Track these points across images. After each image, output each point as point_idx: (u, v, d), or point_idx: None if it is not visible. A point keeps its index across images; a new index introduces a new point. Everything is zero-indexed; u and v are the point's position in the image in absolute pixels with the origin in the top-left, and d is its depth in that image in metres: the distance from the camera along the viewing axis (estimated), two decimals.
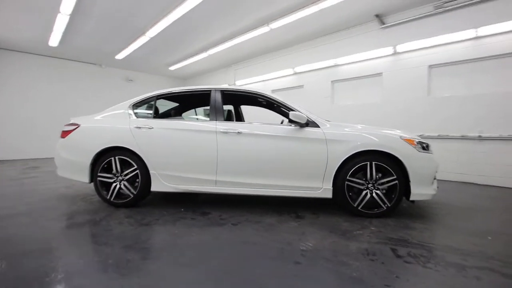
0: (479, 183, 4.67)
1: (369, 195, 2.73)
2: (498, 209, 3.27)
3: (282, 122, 3.78)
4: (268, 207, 3.15)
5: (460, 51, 4.84)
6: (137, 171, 3.02)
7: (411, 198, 2.71)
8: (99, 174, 3.07)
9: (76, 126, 3.24)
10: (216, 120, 3.02)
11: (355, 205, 2.75)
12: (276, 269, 1.76)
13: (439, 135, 5.06)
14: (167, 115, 3.92)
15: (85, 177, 3.13)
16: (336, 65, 6.72)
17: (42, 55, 8.55)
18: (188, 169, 2.97)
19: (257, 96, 3.25)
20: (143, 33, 6.59)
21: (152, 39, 6.87)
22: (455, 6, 4.76)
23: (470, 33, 4.64)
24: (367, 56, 6.05)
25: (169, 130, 3.03)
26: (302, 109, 2.96)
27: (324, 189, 2.79)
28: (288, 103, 3.03)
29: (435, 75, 5.23)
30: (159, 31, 6.31)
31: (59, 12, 5.32)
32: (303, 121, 2.80)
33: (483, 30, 4.50)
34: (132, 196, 3.03)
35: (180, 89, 3.34)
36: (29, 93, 8.50)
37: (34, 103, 8.58)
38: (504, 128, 4.41)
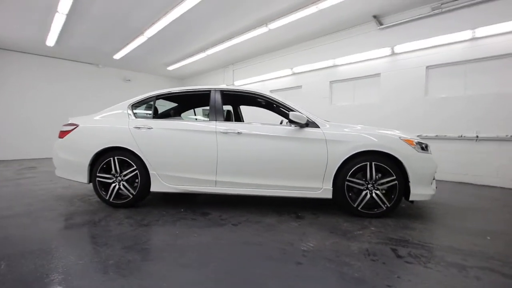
0: (476, 183, 4.71)
1: (368, 195, 2.74)
2: (496, 209, 3.30)
3: (281, 123, 3.79)
4: (268, 207, 3.15)
5: (458, 52, 4.88)
6: (137, 171, 3.00)
7: (411, 198, 2.73)
8: (98, 174, 3.05)
9: (75, 126, 3.21)
10: (216, 121, 3.02)
11: (355, 205, 2.76)
12: (277, 270, 1.75)
13: (436, 136, 5.10)
14: (166, 115, 3.91)
15: (83, 178, 3.11)
16: (334, 66, 6.74)
17: (39, 54, 8.49)
18: (188, 170, 2.96)
19: (257, 96, 3.24)
20: (141, 33, 6.56)
21: (150, 39, 6.84)
22: (453, 7, 4.81)
23: (467, 34, 4.68)
24: (365, 56, 6.09)
25: (169, 130, 3.02)
26: (302, 110, 2.96)
27: (324, 190, 2.80)
28: (288, 104, 3.03)
29: (433, 76, 5.27)
30: (157, 31, 6.29)
31: (57, 12, 5.27)
32: (303, 122, 2.80)
33: (480, 31, 4.55)
34: (131, 196, 3.02)
35: (179, 89, 3.32)
36: (26, 93, 8.42)
37: (31, 102, 8.50)
38: (501, 128, 4.45)
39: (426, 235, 2.38)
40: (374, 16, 5.69)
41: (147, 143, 3.00)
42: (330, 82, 6.90)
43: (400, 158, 2.69)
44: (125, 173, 3.03)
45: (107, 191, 3.05)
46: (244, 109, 4.62)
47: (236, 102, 4.26)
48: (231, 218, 2.77)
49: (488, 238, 2.32)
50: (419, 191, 2.71)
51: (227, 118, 3.47)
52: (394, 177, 2.69)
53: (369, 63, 6.10)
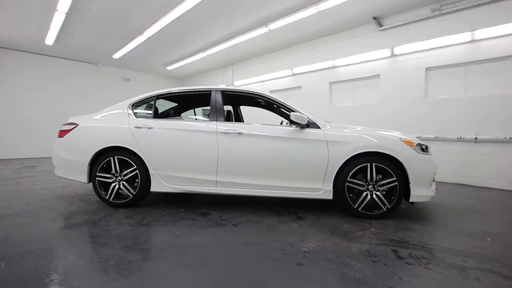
0: (475, 185, 4.73)
1: (369, 196, 2.74)
2: (495, 211, 3.32)
3: (281, 123, 3.79)
4: (268, 208, 3.15)
5: (457, 54, 4.90)
6: (137, 171, 2.99)
7: (411, 200, 2.73)
8: (98, 174, 3.04)
9: (75, 125, 3.20)
10: (216, 121, 3.02)
11: (355, 206, 2.76)
12: (278, 270, 1.75)
13: (436, 137, 5.12)
14: (166, 115, 3.90)
15: (83, 177, 3.10)
16: (334, 67, 6.75)
17: (38, 53, 8.45)
18: (189, 170, 2.96)
19: (258, 96, 3.24)
20: (140, 32, 6.55)
21: (149, 38, 6.83)
22: (452, 9, 4.82)
23: (467, 36, 4.70)
24: (365, 58, 6.10)
25: (169, 130, 3.01)
26: (302, 110, 2.96)
27: (324, 190, 2.80)
28: (289, 104, 3.04)
29: (433, 78, 5.29)
30: (157, 30, 6.28)
31: (56, 10, 5.25)
32: (304, 122, 2.80)
33: (480, 33, 4.57)
34: (131, 196, 3.01)
35: (180, 89, 3.32)
36: (25, 91, 8.39)
37: (30, 101, 8.47)
38: (500, 130, 4.47)
39: (426, 236, 2.38)
40: (374, 18, 5.70)
41: (148, 143, 2.99)
42: (330, 83, 6.91)
43: (400, 160, 2.69)
44: (125, 172, 3.02)
45: (107, 191, 3.04)
46: (244, 110, 4.62)
47: (236, 102, 4.26)
48: (231, 218, 2.76)
49: (488, 239, 2.32)
50: (419, 193, 2.72)
51: (227, 118, 3.46)
52: (395, 178, 2.69)
53: (369, 64, 6.12)
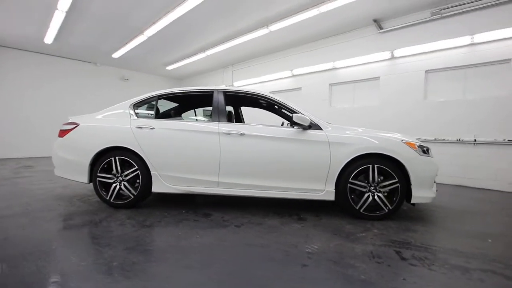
0: (473, 186, 4.77)
1: (371, 197, 2.75)
2: (495, 212, 3.34)
3: (282, 124, 3.80)
4: (270, 209, 3.14)
5: (456, 57, 4.95)
6: (138, 171, 2.98)
7: (412, 201, 2.74)
8: (98, 174, 3.01)
9: (75, 125, 3.18)
10: (219, 121, 3.01)
11: (357, 208, 2.77)
12: (282, 272, 1.75)
13: (435, 139, 5.16)
14: (167, 115, 3.89)
15: (84, 177, 3.07)
16: (334, 68, 6.78)
17: (36, 52, 8.39)
18: (190, 170, 2.95)
19: (260, 97, 3.24)
20: (141, 32, 6.54)
21: (149, 38, 6.81)
22: (452, 13, 4.87)
23: (466, 39, 4.75)
24: (365, 60, 6.13)
25: (171, 130, 3.00)
26: (305, 112, 2.97)
27: (326, 192, 2.80)
28: (292, 105, 3.04)
29: (432, 80, 5.33)
30: (157, 30, 6.27)
31: (57, 9, 5.23)
32: (306, 124, 2.81)
33: (479, 37, 4.62)
34: (132, 197, 2.99)
35: (182, 90, 3.31)
36: (23, 90, 8.33)
37: (28, 100, 8.40)
38: (498, 132, 4.52)
39: (428, 237, 2.40)
40: (375, 20, 5.74)
41: (149, 143, 2.98)
42: (330, 84, 6.94)
43: (402, 161, 2.71)
44: (126, 173, 3.00)
45: (107, 191, 3.02)
46: (244, 110, 4.62)
47: (237, 103, 4.26)
48: (233, 219, 2.76)
49: (489, 240, 2.34)
50: (420, 194, 2.73)
51: (228, 119, 3.46)
52: (396, 179, 2.71)
53: (369, 66, 6.15)
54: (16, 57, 8.13)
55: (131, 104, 3.23)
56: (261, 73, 8.55)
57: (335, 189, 2.80)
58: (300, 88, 7.62)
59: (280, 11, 5.44)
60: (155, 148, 2.98)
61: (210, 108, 3.24)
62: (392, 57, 5.74)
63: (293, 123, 2.88)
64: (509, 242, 2.34)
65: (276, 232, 2.44)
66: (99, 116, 3.24)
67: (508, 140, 4.41)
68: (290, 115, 3.15)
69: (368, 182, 2.76)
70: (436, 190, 2.89)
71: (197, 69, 10.41)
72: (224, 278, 1.67)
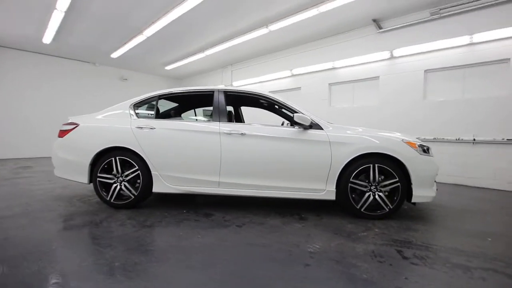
0: (472, 185, 4.79)
1: (371, 197, 2.76)
2: (494, 211, 3.36)
3: (282, 124, 3.80)
4: (271, 209, 3.14)
5: (455, 56, 4.97)
6: (138, 172, 2.97)
7: (413, 200, 2.75)
8: (99, 174, 3.00)
9: (75, 125, 3.17)
10: (219, 121, 3.01)
11: (358, 207, 2.77)
12: (285, 271, 1.75)
13: (434, 138, 5.17)
14: (166, 115, 3.88)
15: (84, 178, 3.06)
16: (333, 68, 6.79)
17: (35, 52, 8.35)
18: (191, 170, 2.94)
19: (260, 97, 3.24)
20: (140, 32, 6.52)
21: (149, 38, 6.80)
22: (451, 12, 4.89)
23: (465, 39, 4.77)
24: (365, 59, 6.14)
25: (172, 130, 3.00)
26: (305, 111, 2.97)
27: (327, 191, 2.81)
28: (292, 105, 3.04)
29: (431, 80, 5.35)
30: (156, 30, 6.25)
31: (55, 9, 5.20)
32: (307, 124, 2.81)
33: (478, 37, 4.63)
34: (133, 197, 2.98)
35: (182, 90, 3.31)
36: (21, 91, 8.29)
37: (27, 101, 8.36)
38: (497, 132, 4.54)
39: (429, 236, 2.40)
40: (374, 20, 5.75)
41: (150, 144, 2.97)
42: (329, 84, 6.95)
43: (402, 161, 2.71)
44: (126, 173, 2.99)
45: (108, 192, 3.01)
46: (243, 110, 4.61)
47: (237, 102, 4.25)
48: (234, 219, 2.75)
49: (489, 239, 2.35)
50: (421, 193, 2.74)
51: (228, 118, 3.46)
52: (397, 179, 2.71)
53: (368, 66, 6.16)
54: (14, 57, 8.09)
55: (131, 104, 3.22)
56: (260, 73, 8.55)
57: (336, 188, 2.80)
58: (300, 87, 7.63)
59: (279, 11, 5.44)
60: (155, 148, 2.97)
61: (210, 108, 3.23)
62: (392, 57, 5.76)
63: (294, 123, 2.88)
64: (509, 241, 2.35)
65: (278, 232, 2.44)
66: (99, 116, 3.23)
67: (507, 139, 4.43)
68: (291, 115, 3.15)
69: (369, 182, 2.77)
70: (436, 189, 2.90)
71: (196, 69, 10.39)
72: (226, 278, 1.67)
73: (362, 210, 2.77)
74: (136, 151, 2.96)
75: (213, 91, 3.18)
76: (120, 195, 3.03)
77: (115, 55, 8.42)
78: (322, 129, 2.88)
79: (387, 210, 2.75)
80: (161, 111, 3.90)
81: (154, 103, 3.29)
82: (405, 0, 4.97)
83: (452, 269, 1.79)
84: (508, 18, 4.37)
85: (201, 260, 1.90)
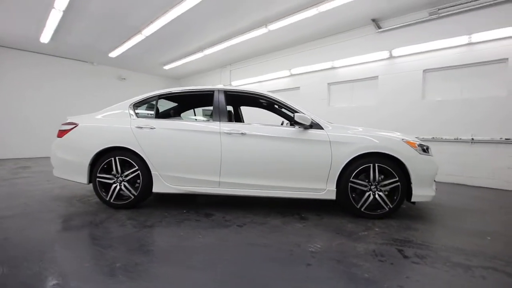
0: (470, 184, 4.82)
1: (372, 196, 2.77)
2: (493, 210, 3.38)
3: (282, 124, 3.80)
4: (271, 208, 3.15)
5: (454, 56, 4.99)
6: (138, 172, 2.96)
7: (413, 200, 2.76)
8: (98, 174, 2.99)
9: (74, 125, 3.15)
10: (220, 121, 3.00)
11: (358, 207, 2.78)
12: (287, 271, 1.75)
13: (433, 138, 5.20)
14: (166, 115, 3.87)
15: (83, 178, 3.04)
16: (332, 68, 6.80)
17: (32, 51, 8.29)
18: (191, 170, 2.94)
19: (260, 97, 3.24)
20: (138, 31, 6.49)
21: (147, 37, 6.77)
22: (449, 12, 4.91)
23: (464, 39, 4.79)
24: (363, 59, 6.16)
25: (172, 130, 2.99)
26: (305, 111, 2.97)
27: (328, 191, 2.81)
28: (293, 105, 3.04)
29: (430, 80, 5.37)
30: (155, 30, 6.22)
31: (53, 8, 5.17)
32: (308, 123, 2.81)
33: (476, 37, 4.66)
34: (133, 197, 2.97)
35: (182, 89, 3.30)
36: (18, 90, 8.22)
37: (24, 100, 8.29)
38: (495, 131, 4.57)
39: (429, 235, 2.42)
40: (373, 20, 5.77)
41: (150, 144, 2.96)
42: (328, 84, 6.96)
43: (402, 160, 2.72)
44: (126, 173, 2.98)
45: (107, 192, 3.00)
46: (243, 110, 4.61)
47: (236, 102, 4.25)
48: (235, 219, 2.75)
49: (488, 238, 2.37)
50: (420, 193, 2.75)
51: (228, 118, 3.45)
52: (397, 178, 2.72)
53: (367, 66, 6.18)
54: (14, 56, 8.03)
55: (130, 104, 3.21)
56: (259, 72, 8.55)
57: (336, 188, 2.80)
58: (299, 87, 7.63)
59: (279, 11, 5.44)
60: (155, 148, 2.96)
61: (210, 108, 3.22)
62: (390, 57, 5.78)
63: (294, 123, 2.87)
64: (508, 240, 2.37)
65: (279, 232, 2.44)
66: (99, 116, 3.21)
67: (506, 139, 4.46)
68: (291, 114, 3.15)
69: (369, 181, 2.77)
70: (435, 189, 2.92)
71: (195, 69, 10.37)
72: (228, 279, 1.67)
73: (362, 209, 2.78)
74: (136, 151, 2.95)
75: (213, 91, 3.17)
76: (119, 195, 3.01)
77: (113, 54, 8.38)
78: (322, 128, 2.88)
79: (387, 209, 2.76)
80: (160, 111, 3.90)
81: (154, 103, 3.28)
82: (404, 0, 4.98)
83: (452, 268, 1.80)
84: (506, 18, 4.39)
85: (203, 260, 1.89)
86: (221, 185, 2.92)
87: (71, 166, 3.11)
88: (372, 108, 6.12)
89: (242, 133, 2.90)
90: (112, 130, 3.07)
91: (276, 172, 2.87)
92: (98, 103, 7.51)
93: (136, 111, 3.21)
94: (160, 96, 3.29)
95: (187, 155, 2.95)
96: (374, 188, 2.77)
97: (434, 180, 2.90)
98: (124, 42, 7.30)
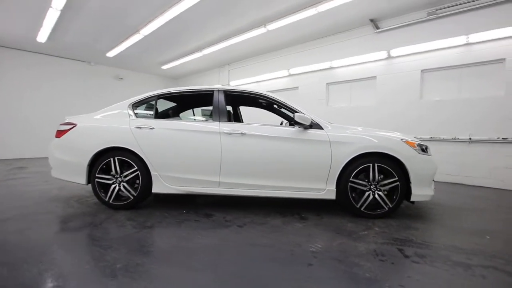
0: (468, 184, 4.86)
1: (371, 196, 2.77)
2: (491, 209, 3.41)
3: (281, 124, 3.80)
4: (271, 208, 3.15)
5: (452, 56, 5.02)
6: (138, 172, 2.94)
7: (412, 199, 2.78)
8: (97, 175, 2.97)
9: (73, 125, 3.13)
10: (219, 121, 3.00)
11: (358, 206, 2.79)
12: (289, 271, 1.75)
13: (431, 138, 5.23)
14: (165, 115, 3.85)
15: (82, 179, 3.02)
16: (331, 68, 6.81)
17: (28, 51, 8.20)
18: (191, 170, 2.93)
19: (260, 97, 3.23)
20: (136, 31, 6.45)
21: (146, 37, 6.73)
22: (448, 13, 4.94)
23: (462, 39, 4.82)
24: (362, 59, 6.18)
25: (171, 130, 2.98)
26: (305, 111, 2.97)
27: (328, 191, 2.82)
28: (293, 105, 3.04)
29: (428, 80, 5.40)
30: (153, 29, 6.19)
31: (51, 7, 5.12)
32: (308, 123, 2.82)
33: (474, 37, 4.69)
34: (132, 198, 2.95)
35: (182, 89, 3.28)
36: (19, 91, 8.16)
37: (20, 101, 8.20)
38: (493, 131, 4.60)
39: (428, 235, 2.43)
40: (371, 20, 5.78)
41: (149, 144, 2.95)
42: (327, 83, 6.97)
43: (402, 160, 2.74)
44: (125, 174, 2.97)
45: (106, 193, 2.98)
46: (242, 109, 4.60)
47: (236, 102, 4.24)
48: (235, 220, 2.75)
49: (487, 237, 2.39)
50: (420, 192, 2.77)
51: (227, 118, 3.44)
52: (396, 178, 2.73)
53: (366, 66, 6.20)
54: (13, 56, 7.97)
55: (130, 104, 3.19)
56: (257, 72, 8.54)
57: (336, 188, 2.81)
58: (297, 87, 7.64)
59: (278, 10, 5.43)
60: (155, 149, 2.94)
61: (209, 108, 3.21)
62: (389, 57, 5.80)
63: (294, 123, 2.87)
64: (507, 239, 2.39)
65: (279, 232, 2.44)
66: (97, 116, 3.19)
67: (502, 139, 4.50)
68: (291, 114, 3.15)
69: (369, 181, 2.78)
70: (434, 188, 2.93)
71: (193, 69, 10.34)
72: (230, 279, 1.67)
73: (362, 209, 2.79)
74: (135, 151, 2.93)
75: (213, 91, 3.16)
76: (118, 196, 3.00)
77: (111, 54, 8.33)
78: (322, 128, 2.89)
79: (387, 209, 2.77)
80: (159, 110, 3.88)
81: (153, 103, 3.26)
82: (402, 0, 5.00)
83: (453, 267, 1.81)
84: (504, 18, 4.42)
85: (203, 261, 1.89)
86: (221, 185, 2.91)
87: (70, 166, 3.08)
88: (370, 108, 6.14)
89: (242, 133, 2.90)
90: (111, 130, 3.05)
91: (276, 172, 2.87)
92: (96, 103, 7.47)
93: (135, 111, 3.19)
94: (160, 96, 3.27)
95: (187, 155, 2.94)
96: (374, 187, 2.78)
97: (433, 180, 2.92)
98: (122, 41, 7.26)
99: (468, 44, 4.82)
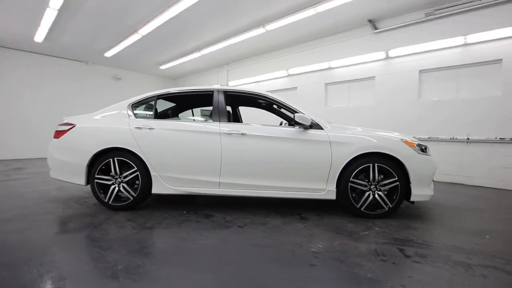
0: (467, 183, 4.88)
1: (371, 196, 2.78)
2: (490, 209, 3.43)
3: (281, 124, 3.80)
4: (271, 209, 3.14)
5: (450, 57, 5.05)
6: (137, 172, 2.93)
7: (412, 199, 2.79)
8: (96, 176, 2.95)
9: (71, 126, 3.11)
10: (219, 121, 2.99)
11: (358, 206, 2.79)
12: (290, 272, 1.75)
13: (429, 138, 5.25)
14: (164, 115, 3.84)
15: (81, 179, 3.00)
16: (330, 68, 6.83)
17: (25, 51, 8.15)
18: (191, 171, 2.92)
19: (260, 97, 3.23)
20: (135, 30, 6.43)
21: (144, 37, 6.71)
22: (446, 13, 4.97)
23: (460, 39, 4.85)
24: (360, 60, 6.19)
25: (171, 131, 2.97)
26: (305, 111, 2.97)
27: (328, 191, 2.82)
28: (292, 105, 3.04)
29: (426, 80, 5.42)
30: (152, 29, 6.17)
31: (48, 7, 5.09)
32: (308, 123, 2.82)
33: (472, 37, 4.72)
34: (132, 198, 2.94)
35: (182, 89, 3.27)
36: (19, 91, 8.12)
37: (17, 101, 8.15)
38: (491, 131, 4.63)
39: (428, 235, 2.44)
40: (370, 20, 5.80)
41: (149, 144, 2.93)
42: (326, 84, 6.98)
43: (402, 160, 2.74)
44: (125, 174, 2.95)
45: (106, 193, 2.96)
46: (241, 110, 4.60)
47: (236, 102, 4.23)
48: (235, 220, 2.74)
49: (487, 237, 2.40)
50: (419, 192, 2.78)
51: (227, 118, 3.43)
52: (396, 178, 2.74)
53: (364, 66, 6.22)
54: (12, 57, 7.93)
55: (129, 104, 3.17)
56: (256, 72, 8.54)
57: (336, 188, 2.81)
58: (296, 87, 7.65)
59: (277, 11, 5.44)
60: (154, 149, 2.93)
61: (208, 108, 3.20)
62: (387, 57, 5.82)
63: (295, 123, 2.87)
64: (506, 238, 2.40)
65: (280, 232, 2.44)
66: (97, 117, 3.17)
67: (500, 138, 4.53)
68: (290, 114, 3.15)
69: (369, 181, 2.79)
70: (433, 188, 2.94)
71: (192, 69, 10.32)
72: (231, 280, 1.66)
73: (362, 209, 2.79)
74: (135, 151, 2.92)
75: (212, 91, 3.16)
76: (118, 197, 2.98)
77: (108, 54, 8.29)
78: (322, 129, 2.89)
79: (387, 209, 2.78)
80: (158, 111, 3.86)
81: (152, 103, 3.25)
82: (400, 1, 5.02)
83: (453, 267, 1.82)
84: (502, 19, 4.45)
85: (205, 262, 1.88)
86: (221, 185, 2.91)
87: (69, 167, 3.06)
88: (369, 108, 6.16)
89: (242, 134, 2.89)
90: (110, 130, 3.03)
91: (276, 173, 2.87)
92: (93, 103, 7.44)
93: (135, 111, 3.18)
94: (159, 96, 3.26)
95: (187, 156, 2.93)
96: (374, 188, 2.79)
97: (433, 180, 2.93)
98: (120, 41, 7.23)
99: (466, 44, 4.85)
